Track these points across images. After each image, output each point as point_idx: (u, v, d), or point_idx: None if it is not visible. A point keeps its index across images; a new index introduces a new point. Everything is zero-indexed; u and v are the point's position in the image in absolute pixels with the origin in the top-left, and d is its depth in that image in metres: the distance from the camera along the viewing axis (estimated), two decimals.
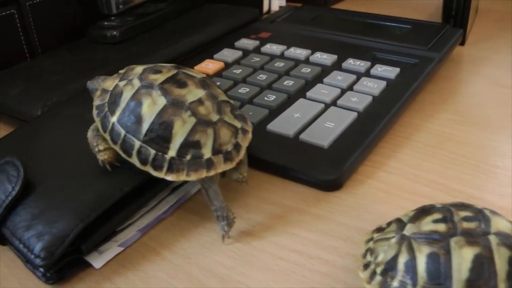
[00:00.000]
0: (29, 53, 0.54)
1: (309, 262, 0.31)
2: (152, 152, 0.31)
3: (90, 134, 0.34)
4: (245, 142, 0.33)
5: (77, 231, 0.30)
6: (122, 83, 0.33)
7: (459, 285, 0.24)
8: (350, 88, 0.45)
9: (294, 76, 0.47)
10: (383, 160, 0.40)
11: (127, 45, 0.54)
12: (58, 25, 0.55)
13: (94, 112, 0.34)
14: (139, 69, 0.34)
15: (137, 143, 0.31)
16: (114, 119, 0.32)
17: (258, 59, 0.50)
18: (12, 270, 0.32)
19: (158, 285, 0.30)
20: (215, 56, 0.52)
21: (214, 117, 0.32)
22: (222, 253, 0.32)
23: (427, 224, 0.26)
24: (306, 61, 0.50)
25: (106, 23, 0.54)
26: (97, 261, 0.32)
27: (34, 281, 0.31)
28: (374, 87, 0.44)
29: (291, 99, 0.44)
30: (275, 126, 0.40)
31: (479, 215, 0.26)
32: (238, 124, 0.33)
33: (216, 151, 0.31)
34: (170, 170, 0.31)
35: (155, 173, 0.31)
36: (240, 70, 0.48)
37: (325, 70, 0.48)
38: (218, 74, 0.49)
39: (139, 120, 0.31)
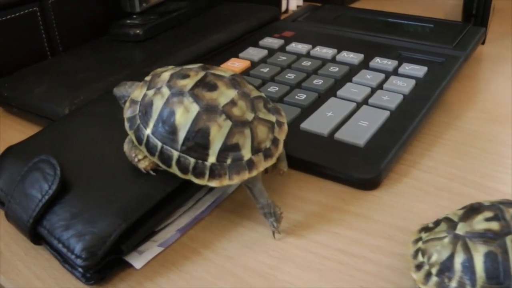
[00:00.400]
0: (50, 51, 0.53)
1: (354, 261, 0.31)
2: (192, 160, 0.30)
3: (126, 147, 0.33)
4: (282, 135, 0.33)
5: (120, 231, 0.30)
6: (150, 92, 0.32)
7: None
8: (380, 87, 0.45)
9: (323, 75, 0.47)
10: (417, 159, 0.40)
11: (150, 43, 0.53)
12: (79, 23, 0.55)
13: (126, 125, 0.33)
14: (166, 75, 0.33)
15: (175, 154, 0.31)
16: (148, 131, 0.32)
17: (285, 58, 0.50)
18: (47, 271, 0.32)
19: (203, 286, 0.30)
20: (240, 54, 0.51)
21: (249, 116, 0.32)
22: (264, 253, 0.32)
23: (480, 223, 0.26)
24: (333, 60, 0.50)
25: (128, 21, 0.54)
26: (137, 261, 0.31)
27: (72, 281, 0.31)
28: (404, 85, 0.44)
29: (321, 98, 0.44)
30: (309, 125, 0.40)
31: None
32: (273, 118, 0.33)
33: (255, 150, 0.31)
34: (212, 176, 0.30)
35: (197, 181, 0.31)
36: (268, 69, 0.48)
37: (353, 69, 0.48)
38: (245, 72, 0.48)
39: (174, 130, 0.31)
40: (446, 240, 0.26)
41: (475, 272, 0.24)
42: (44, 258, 0.32)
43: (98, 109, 0.40)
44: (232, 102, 0.31)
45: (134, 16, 0.55)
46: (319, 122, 0.40)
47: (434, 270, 0.26)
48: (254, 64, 0.50)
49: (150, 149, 0.32)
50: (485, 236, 0.25)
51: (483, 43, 0.58)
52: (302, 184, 0.37)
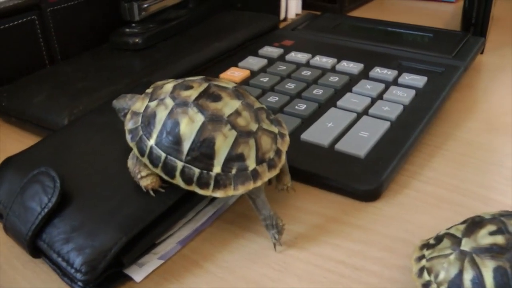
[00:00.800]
0: (49, 60, 0.53)
1: (355, 273, 0.31)
2: (197, 171, 0.30)
3: (130, 162, 0.33)
4: (284, 146, 0.33)
5: (121, 244, 0.29)
6: (153, 104, 0.32)
7: None
8: (380, 97, 0.45)
9: (323, 85, 0.47)
10: (417, 169, 0.40)
11: (149, 52, 0.53)
12: (78, 31, 0.55)
13: (128, 136, 0.33)
14: (168, 86, 0.33)
15: (179, 164, 0.31)
16: (151, 142, 0.31)
17: (284, 67, 0.50)
18: (47, 284, 0.31)
19: None
20: (239, 64, 0.51)
21: (254, 126, 0.32)
22: (267, 266, 0.32)
23: (484, 237, 0.26)
24: (333, 70, 0.50)
25: (128, 30, 0.54)
26: (137, 274, 0.31)
27: None
28: (404, 96, 0.44)
29: (322, 108, 0.44)
30: (309, 135, 0.40)
31: None
32: (275, 130, 0.33)
33: (260, 160, 0.31)
34: (217, 186, 0.30)
35: (201, 192, 0.30)
36: (267, 79, 0.48)
37: (353, 79, 0.48)
38: (245, 82, 0.48)
39: (178, 140, 0.31)
40: (452, 257, 0.26)
41: None
42: (43, 272, 0.32)
43: (97, 120, 0.40)
44: (237, 113, 0.31)
45: (134, 25, 0.54)
46: (319, 133, 0.40)
47: None
48: (253, 74, 0.50)
49: (154, 160, 0.31)
50: (492, 251, 0.25)
51: (482, 52, 0.58)
52: (303, 195, 0.37)
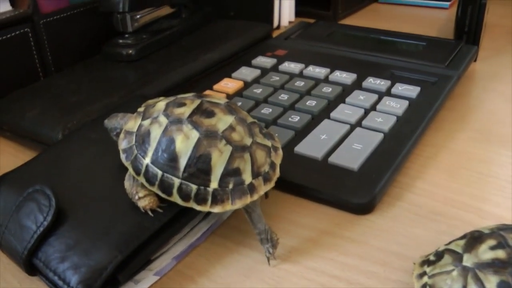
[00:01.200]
0: (42, 72, 0.53)
1: None
2: (194, 187, 0.31)
3: (127, 184, 0.33)
4: (278, 159, 0.33)
5: (116, 263, 0.30)
6: (146, 122, 0.33)
7: None
8: (373, 108, 0.45)
9: (316, 96, 0.47)
10: (410, 181, 0.40)
11: (142, 63, 0.53)
12: (71, 43, 0.55)
13: (122, 156, 0.33)
14: (160, 104, 0.33)
15: (176, 181, 0.31)
16: (147, 160, 0.31)
17: (278, 78, 0.50)
18: None
19: None
20: (233, 74, 0.52)
21: (248, 140, 0.32)
22: (261, 280, 0.32)
23: (486, 252, 0.26)
24: (326, 80, 0.50)
25: (120, 41, 0.54)
26: None
27: None
28: (397, 107, 0.44)
29: (315, 119, 0.44)
30: (302, 148, 0.40)
31: None
32: (268, 143, 0.33)
33: (255, 174, 0.31)
34: (214, 202, 0.31)
35: (199, 208, 0.31)
36: (261, 90, 0.48)
37: (346, 90, 0.48)
38: (239, 93, 0.48)
39: (174, 157, 0.31)
40: (455, 273, 0.26)
41: None
42: None
43: (92, 135, 0.40)
44: (231, 128, 0.32)
45: (127, 35, 0.54)
46: (313, 146, 0.40)
47: None
48: (247, 85, 0.50)
49: (150, 178, 0.31)
50: (494, 266, 0.25)
51: (475, 60, 0.58)
52: (296, 208, 0.37)
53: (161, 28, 0.57)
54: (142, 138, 0.32)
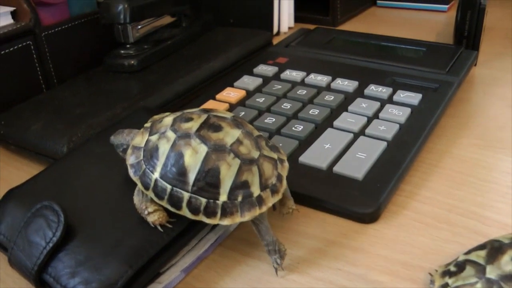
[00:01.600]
0: (45, 84, 0.53)
1: None
2: (204, 200, 0.31)
3: (136, 199, 0.33)
4: (284, 171, 0.34)
5: (126, 278, 0.30)
6: (154, 137, 0.33)
7: None
8: (376, 116, 0.45)
9: (318, 104, 0.48)
10: (414, 189, 0.40)
11: (145, 73, 0.53)
12: (73, 55, 0.55)
13: (130, 171, 0.33)
14: (168, 120, 0.34)
15: (186, 195, 0.31)
16: (156, 175, 0.32)
17: (280, 86, 0.51)
18: None
19: None
20: (235, 83, 0.52)
21: (255, 154, 0.32)
22: None
23: (508, 264, 0.26)
24: (328, 88, 0.50)
25: (122, 51, 0.54)
26: None
27: None
28: (400, 114, 0.45)
29: (318, 128, 0.44)
30: (307, 158, 0.40)
31: None
32: (275, 156, 0.34)
33: (263, 186, 0.32)
34: (224, 214, 0.31)
35: (208, 221, 0.31)
36: (263, 99, 0.49)
37: (348, 97, 0.48)
38: (241, 103, 0.49)
39: (183, 171, 0.31)
40: (479, 285, 0.26)
41: None
42: None
43: (97, 149, 0.40)
44: (238, 141, 0.32)
45: (128, 46, 0.55)
46: (317, 155, 0.40)
47: None
48: (249, 94, 0.50)
49: (159, 193, 0.32)
50: None
51: (475, 64, 0.59)
52: (302, 218, 0.38)
53: (162, 38, 0.58)
54: (150, 153, 0.32)
